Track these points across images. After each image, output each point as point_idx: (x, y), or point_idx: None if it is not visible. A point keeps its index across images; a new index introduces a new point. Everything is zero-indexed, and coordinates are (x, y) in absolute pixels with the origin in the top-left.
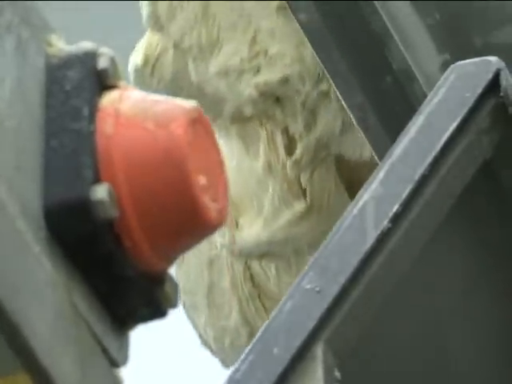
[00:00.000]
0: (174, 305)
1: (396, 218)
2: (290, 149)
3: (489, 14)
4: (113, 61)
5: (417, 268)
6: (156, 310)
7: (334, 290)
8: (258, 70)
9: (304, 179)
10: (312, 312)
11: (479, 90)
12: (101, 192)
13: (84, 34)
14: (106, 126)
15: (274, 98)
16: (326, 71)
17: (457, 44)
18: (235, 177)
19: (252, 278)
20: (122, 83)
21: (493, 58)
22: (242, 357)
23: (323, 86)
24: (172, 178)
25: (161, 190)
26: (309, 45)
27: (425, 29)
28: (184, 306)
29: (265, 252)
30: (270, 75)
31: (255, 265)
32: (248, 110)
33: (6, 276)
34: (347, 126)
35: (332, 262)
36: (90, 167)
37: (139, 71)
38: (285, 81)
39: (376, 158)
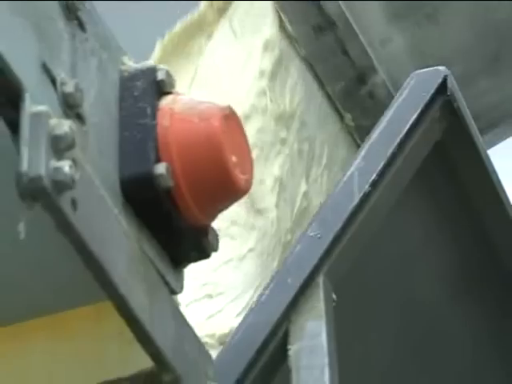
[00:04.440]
0: (215, 249)
1: (374, 184)
2: None
3: None
4: (168, 73)
5: (389, 220)
6: (202, 252)
7: (330, 236)
8: None
9: None
10: (315, 253)
11: (432, 90)
12: (161, 168)
13: None
14: (164, 120)
15: None
16: None
17: None
18: None
19: None
20: (175, 90)
21: (442, 68)
22: (265, 285)
23: None
24: (212, 157)
25: (204, 166)
26: None
27: None
28: None
29: None
30: None
31: None
32: None
33: (94, 230)
34: None
35: (329, 215)
36: (153, 151)
37: None
38: None
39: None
